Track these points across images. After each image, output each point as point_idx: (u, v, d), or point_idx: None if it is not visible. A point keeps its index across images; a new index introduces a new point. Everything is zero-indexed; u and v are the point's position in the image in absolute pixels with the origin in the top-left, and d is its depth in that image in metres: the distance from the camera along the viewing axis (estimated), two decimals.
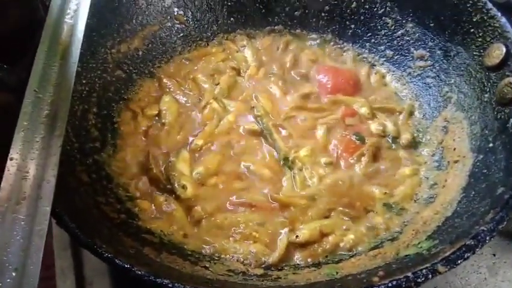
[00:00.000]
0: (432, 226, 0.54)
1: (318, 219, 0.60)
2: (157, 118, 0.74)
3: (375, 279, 0.43)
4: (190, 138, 0.70)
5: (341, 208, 0.61)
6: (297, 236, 0.58)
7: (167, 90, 0.78)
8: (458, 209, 0.54)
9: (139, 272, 0.43)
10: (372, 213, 0.61)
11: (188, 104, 0.75)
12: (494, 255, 0.72)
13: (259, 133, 0.71)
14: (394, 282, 0.42)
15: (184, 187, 0.63)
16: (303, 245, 0.58)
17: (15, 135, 0.53)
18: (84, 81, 0.69)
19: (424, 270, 0.42)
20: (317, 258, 0.57)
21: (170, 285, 0.42)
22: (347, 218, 0.61)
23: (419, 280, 0.42)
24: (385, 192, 0.63)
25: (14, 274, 0.43)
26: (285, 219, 0.61)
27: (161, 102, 0.75)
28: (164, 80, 0.79)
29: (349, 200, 0.62)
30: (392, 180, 0.65)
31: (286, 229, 0.59)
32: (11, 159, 0.51)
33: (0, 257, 0.44)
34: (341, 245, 0.58)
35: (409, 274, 0.42)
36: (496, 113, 0.60)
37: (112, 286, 0.68)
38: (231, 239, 0.59)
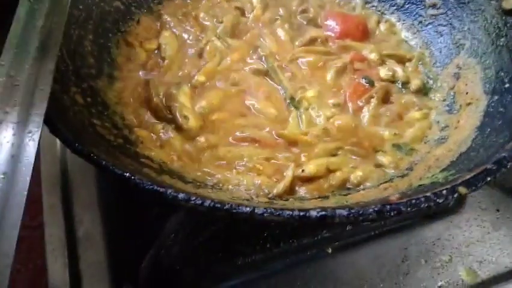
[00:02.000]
0: (446, 161, 0.51)
1: (325, 157, 0.58)
2: (156, 52, 0.70)
3: (392, 198, 0.40)
4: (192, 74, 0.67)
5: (348, 147, 0.59)
6: (302, 170, 0.55)
7: (168, 26, 0.74)
8: (473, 145, 0.52)
9: (140, 181, 0.40)
10: (381, 152, 0.59)
11: (189, 41, 0.72)
12: (497, 210, 0.71)
13: (264, 73, 0.68)
14: (413, 201, 0.39)
15: (186, 117, 0.59)
16: (309, 180, 0.56)
17: (7, 42, 0.49)
18: (81, 7, 0.65)
19: (444, 191, 0.40)
20: (323, 192, 0.54)
21: (174, 194, 0.39)
22: (354, 157, 0.58)
23: (439, 200, 0.40)
24: (395, 133, 0.61)
25: (1, 177, 0.39)
26: (291, 154, 0.58)
27: (161, 37, 0.71)
28: (165, 16, 0.75)
29: (357, 139, 0.60)
30: (401, 123, 0.63)
31: (292, 163, 0.56)
32: (2, 65, 0.47)
33: None
34: (349, 180, 0.56)
35: (429, 194, 0.40)
36: None
37: (102, 222, 0.65)
38: (234, 171, 0.56)
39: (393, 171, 0.57)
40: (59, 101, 0.51)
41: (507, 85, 0.56)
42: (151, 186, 0.40)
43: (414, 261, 0.64)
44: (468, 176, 0.42)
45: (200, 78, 0.66)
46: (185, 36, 0.72)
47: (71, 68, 0.58)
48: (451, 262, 0.65)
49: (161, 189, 0.39)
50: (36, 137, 0.42)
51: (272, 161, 0.57)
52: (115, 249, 0.63)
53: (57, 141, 0.73)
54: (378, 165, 0.57)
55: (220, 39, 0.72)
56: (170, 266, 0.61)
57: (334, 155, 0.58)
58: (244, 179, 0.55)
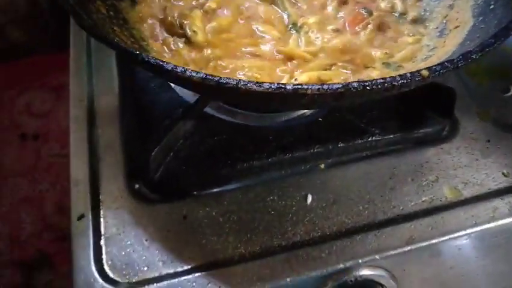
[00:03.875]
0: None
1: (319, 71, 0.64)
2: None
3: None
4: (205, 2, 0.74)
5: (341, 63, 0.64)
6: (295, 79, 0.61)
7: None
8: (451, 55, 0.57)
9: (141, 55, 0.47)
10: (371, 68, 0.64)
11: None
12: (488, 141, 0.74)
13: (271, 1, 0.74)
14: (378, 80, 0.45)
15: (195, 32, 0.67)
16: None
17: None
18: None
19: (409, 74, 0.45)
20: None
21: (173, 67, 0.46)
22: (345, 71, 0.64)
23: (402, 81, 0.45)
24: (386, 53, 0.65)
25: None
26: (287, 67, 0.64)
27: None
28: None
29: (350, 58, 0.65)
30: (394, 46, 0.68)
31: (287, 75, 0.63)
32: None
33: None
34: None
35: (395, 76, 0.45)
36: None
37: (122, 133, 0.73)
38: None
39: None
40: (85, 6, 0.59)
41: (492, 6, 0.60)
42: (154, 61, 0.47)
43: (402, 179, 0.70)
44: (432, 65, 0.47)
45: (212, 4, 0.72)
46: None
47: None
48: (437, 182, 0.69)
49: (161, 63, 0.46)
50: None
51: (270, 71, 0.63)
52: (132, 155, 0.72)
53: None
54: (366, 78, 0.62)
55: None
56: (177, 167, 0.68)
57: (327, 70, 0.64)
58: None
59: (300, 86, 0.44)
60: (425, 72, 0.45)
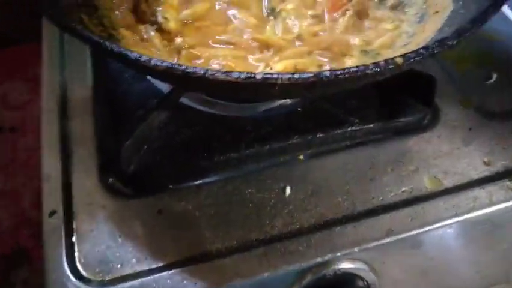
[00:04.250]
0: None
1: (295, 59, 0.62)
2: None
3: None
4: None
5: (318, 51, 0.63)
6: (271, 68, 0.60)
7: None
8: (429, 42, 0.55)
9: (108, 45, 0.45)
10: (349, 56, 0.62)
11: None
12: (470, 129, 0.73)
13: None
14: (351, 69, 0.43)
15: (167, 19, 0.64)
16: None
17: None
18: None
19: (382, 62, 0.44)
20: None
21: (138, 56, 0.43)
22: (323, 59, 0.62)
23: (376, 69, 0.43)
24: (364, 40, 0.64)
25: None
26: (263, 56, 0.62)
27: None
28: None
29: (328, 45, 0.63)
30: (373, 33, 0.66)
31: (262, 63, 0.61)
32: None
33: None
34: None
35: (368, 64, 0.43)
36: None
37: (94, 125, 0.71)
38: (208, 67, 0.60)
39: None
40: None
41: None
42: (119, 50, 0.44)
43: (381, 169, 0.68)
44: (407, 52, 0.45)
45: None
46: None
47: None
48: (417, 172, 0.68)
49: (124, 51, 0.44)
50: None
51: (245, 59, 0.61)
52: (104, 148, 0.69)
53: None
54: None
55: None
56: (152, 159, 0.66)
57: (304, 58, 0.62)
58: None
59: (269, 76, 0.42)
60: (399, 60, 0.43)
